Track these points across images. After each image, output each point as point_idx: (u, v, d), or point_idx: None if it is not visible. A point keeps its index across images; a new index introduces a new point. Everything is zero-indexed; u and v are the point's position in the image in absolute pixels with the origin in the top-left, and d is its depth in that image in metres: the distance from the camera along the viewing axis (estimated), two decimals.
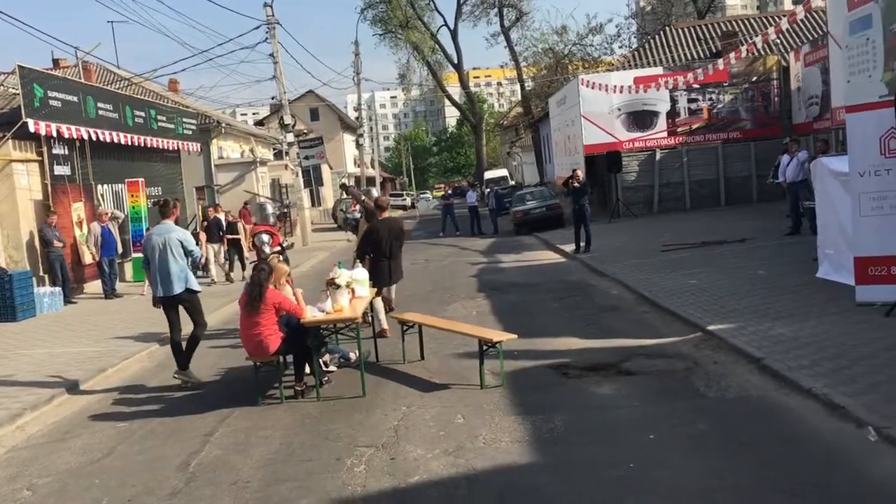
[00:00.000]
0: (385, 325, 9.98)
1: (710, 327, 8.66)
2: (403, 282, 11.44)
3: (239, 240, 18.88)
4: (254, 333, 7.49)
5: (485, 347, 7.56)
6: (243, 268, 18.38)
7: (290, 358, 8.05)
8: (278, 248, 10.19)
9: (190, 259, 8.74)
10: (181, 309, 8.78)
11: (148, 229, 18.30)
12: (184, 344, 8.73)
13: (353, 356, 8.35)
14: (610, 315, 10.67)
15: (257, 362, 7.65)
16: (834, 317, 8.36)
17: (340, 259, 10.43)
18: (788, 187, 15.56)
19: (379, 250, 10.25)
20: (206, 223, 20.01)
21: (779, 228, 15.98)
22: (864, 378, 6.23)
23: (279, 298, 7.58)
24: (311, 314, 7.77)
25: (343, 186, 17.99)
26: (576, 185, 17.46)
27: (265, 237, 10.08)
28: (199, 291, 8.89)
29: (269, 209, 10.69)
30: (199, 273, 20.05)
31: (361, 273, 8.93)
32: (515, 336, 8.00)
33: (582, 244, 17.25)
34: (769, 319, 8.62)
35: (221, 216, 21.70)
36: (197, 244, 9.52)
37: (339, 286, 7.94)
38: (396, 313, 9.81)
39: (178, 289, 8.54)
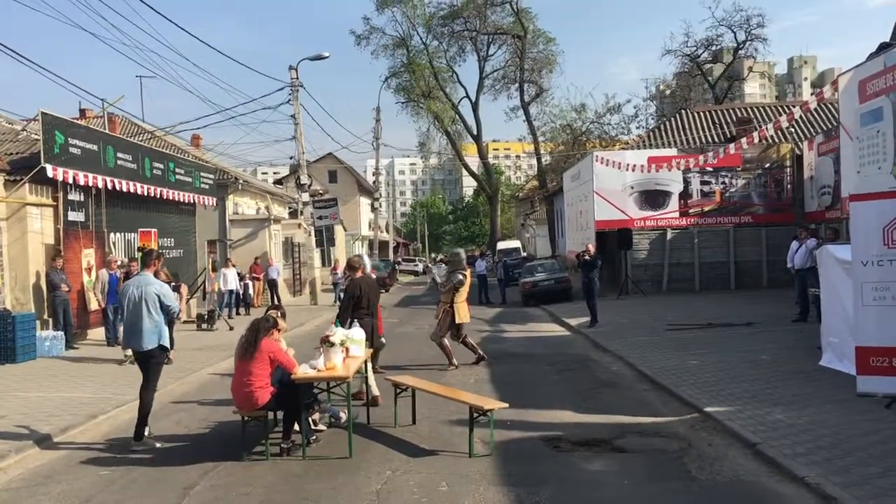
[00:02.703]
0: (376, 392, 9.72)
1: (708, 409, 8.54)
2: (405, 346, 11.46)
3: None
4: (245, 382, 7.42)
5: (476, 415, 7.46)
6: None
7: (279, 414, 7.96)
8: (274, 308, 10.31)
9: (166, 314, 8.35)
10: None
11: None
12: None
13: (343, 416, 8.26)
14: (608, 391, 10.55)
15: (245, 416, 7.57)
16: (833, 406, 8.22)
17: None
18: (797, 274, 15.53)
19: (359, 306, 10.28)
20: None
21: (787, 314, 15.87)
22: (858, 469, 6.09)
23: (274, 348, 7.54)
24: (302, 371, 7.70)
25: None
26: (586, 258, 17.55)
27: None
28: (169, 350, 8.55)
29: (366, 261, 11.42)
30: (204, 326, 20.26)
31: (357, 332, 8.88)
32: (507, 405, 7.93)
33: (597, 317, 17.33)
34: (768, 405, 8.50)
35: (232, 271, 21.98)
36: (180, 297, 9.50)
37: (333, 344, 7.89)
38: (391, 375, 9.72)
39: (148, 344, 8.16)
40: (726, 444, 7.41)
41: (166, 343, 8.46)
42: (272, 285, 25.86)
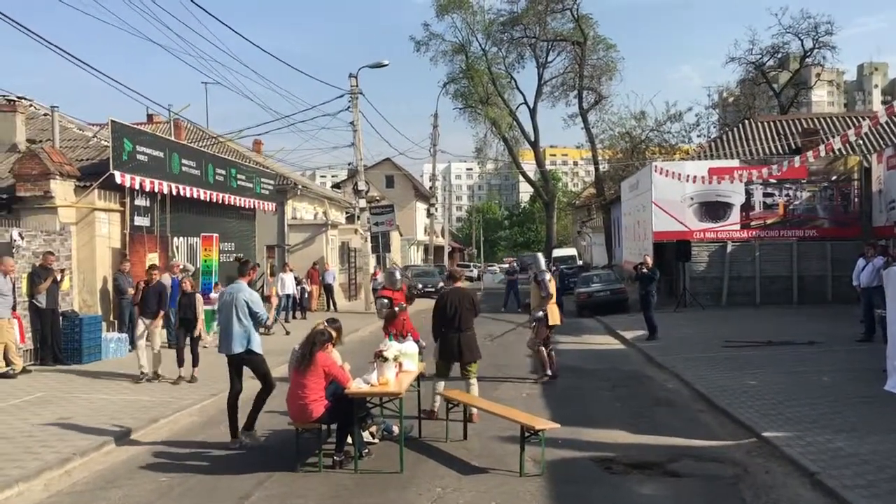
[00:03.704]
0: (436, 407, 9.69)
1: (766, 434, 8.35)
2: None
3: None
4: (299, 395, 7.55)
5: (527, 434, 7.45)
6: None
7: (333, 426, 8.07)
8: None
9: (254, 320, 8.71)
10: (246, 369, 8.90)
11: (217, 284, 18.91)
12: (244, 405, 8.80)
13: (396, 429, 8.33)
14: (663, 410, 10.41)
15: (299, 427, 7.70)
16: None
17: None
18: (863, 292, 15.07)
19: (446, 321, 9.89)
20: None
21: (851, 333, 15.42)
22: None
23: (329, 362, 7.64)
24: (356, 385, 7.79)
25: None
26: (644, 270, 17.42)
27: (385, 300, 11.33)
28: (259, 354, 8.88)
29: (398, 275, 11.75)
30: (261, 331, 20.65)
31: (410, 347, 8.95)
32: (558, 426, 7.90)
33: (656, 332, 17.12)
34: (829, 431, 8.26)
35: (290, 276, 22.31)
36: (266, 301, 9.83)
37: (386, 359, 7.96)
38: (444, 390, 9.75)
39: (237, 348, 8.63)
40: (784, 471, 7.24)
41: (255, 348, 8.80)
42: (328, 290, 26.13)
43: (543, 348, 12.61)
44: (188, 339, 12.78)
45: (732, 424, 9.21)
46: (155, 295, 12.86)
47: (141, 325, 12.85)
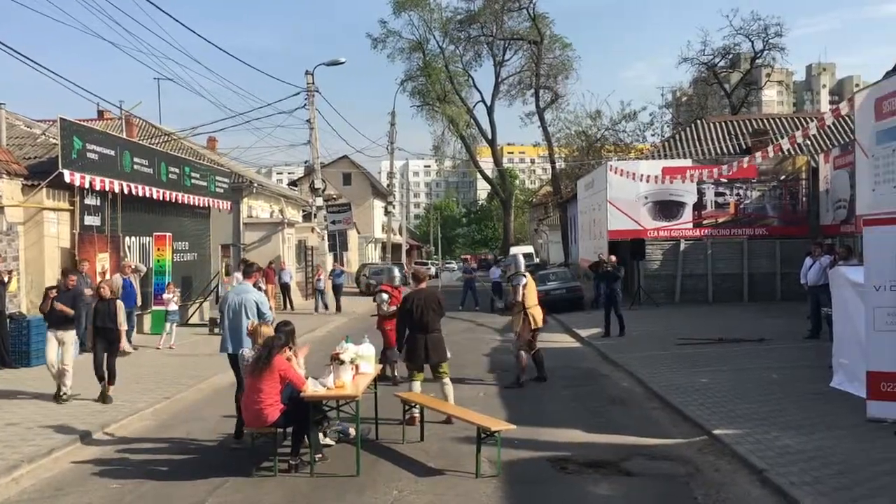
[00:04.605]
0: (416, 413, 9.14)
1: (716, 431, 8.53)
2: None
3: None
4: (255, 400, 7.47)
5: (483, 435, 7.50)
6: None
7: (288, 429, 8.02)
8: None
9: (262, 320, 8.73)
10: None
11: (170, 283, 18.62)
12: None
13: (352, 432, 8.31)
14: (618, 408, 10.56)
15: (255, 432, 7.64)
16: (843, 431, 8.19)
17: (348, 334, 10.37)
18: (810, 290, 15.44)
19: (412, 323, 9.74)
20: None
21: (799, 330, 15.77)
22: (866, 500, 6.08)
23: (285, 366, 7.55)
24: (312, 388, 7.73)
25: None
26: (609, 269, 17.46)
27: (385, 296, 11.71)
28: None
29: (397, 272, 11.92)
30: (217, 330, 20.30)
31: (367, 349, 8.91)
32: (514, 427, 7.97)
33: (615, 329, 17.17)
34: (777, 428, 8.47)
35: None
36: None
37: (343, 362, 7.94)
38: (399, 391, 9.74)
39: (246, 347, 8.58)
40: (733, 469, 7.40)
41: None
42: (285, 289, 25.95)
43: (524, 353, 12.15)
44: (105, 353, 11.12)
45: (684, 422, 9.38)
46: (69, 302, 11.26)
47: (53, 340, 11.08)
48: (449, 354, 10.08)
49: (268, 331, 8.02)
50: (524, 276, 12.23)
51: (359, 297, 31.83)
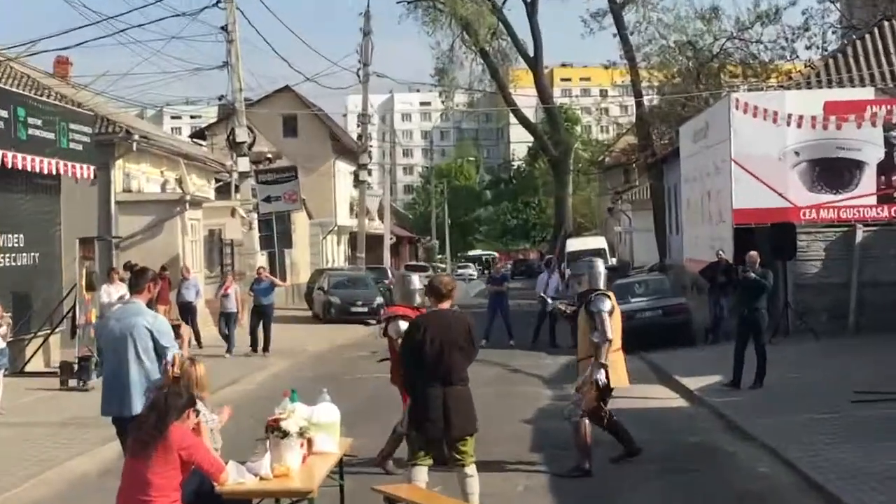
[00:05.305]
0: None
1: None
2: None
3: None
4: (139, 498, 4.91)
5: None
6: None
7: None
8: None
9: (159, 361, 6.56)
10: None
11: None
12: None
13: None
14: None
15: None
16: None
17: (295, 386, 6.94)
18: None
19: (424, 367, 6.77)
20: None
21: None
22: None
23: (189, 443, 5.04)
24: (234, 478, 5.36)
25: None
26: (750, 274, 13.18)
27: (402, 324, 7.92)
28: None
29: (416, 282, 8.87)
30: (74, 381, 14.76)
31: (327, 413, 6.30)
32: None
33: (748, 377, 13.18)
34: None
35: (120, 288, 15.61)
36: (177, 337, 8.12)
37: (286, 434, 5.61)
38: (384, 486, 6.75)
39: (138, 407, 6.24)
40: None
41: None
42: (188, 312, 18.41)
43: (586, 422, 8.64)
44: None
45: None
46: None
47: None
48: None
49: (200, 373, 5.89)
50: (607, 297, 8.80)
51: (313, 325, 24.64)
